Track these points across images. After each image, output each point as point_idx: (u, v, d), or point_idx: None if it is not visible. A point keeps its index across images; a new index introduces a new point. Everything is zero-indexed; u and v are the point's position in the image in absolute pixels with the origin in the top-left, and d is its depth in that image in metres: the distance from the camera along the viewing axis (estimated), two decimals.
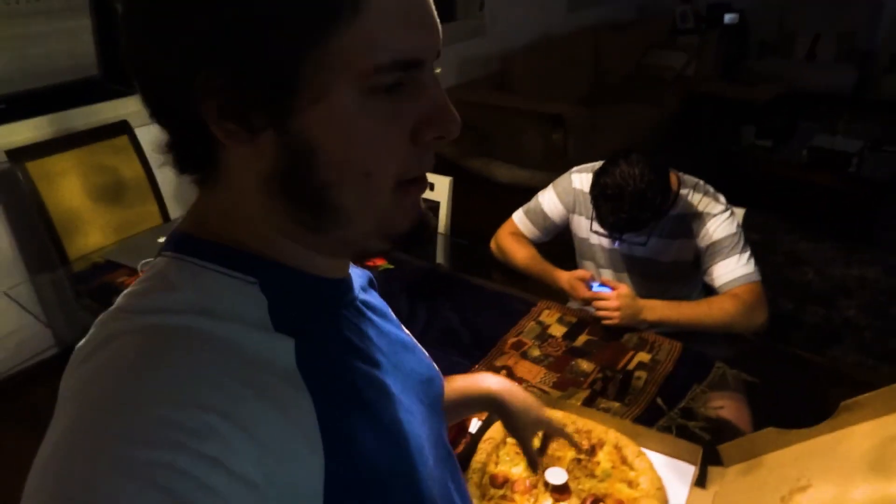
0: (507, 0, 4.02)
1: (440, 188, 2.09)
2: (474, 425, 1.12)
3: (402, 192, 0.44)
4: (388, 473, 0.47)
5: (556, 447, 1.06)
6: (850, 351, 2.59)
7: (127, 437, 0.34)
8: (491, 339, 1.43)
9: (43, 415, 0.40)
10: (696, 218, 1.51)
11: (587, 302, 1.49)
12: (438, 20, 0.43)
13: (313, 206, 0.43)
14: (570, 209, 1.68)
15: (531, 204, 1.74)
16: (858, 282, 3.01)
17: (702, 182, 1.57)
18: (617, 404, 1.22)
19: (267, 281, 0.45)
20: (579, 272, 1.54)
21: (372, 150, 0.42)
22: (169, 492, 0.33)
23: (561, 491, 0.98)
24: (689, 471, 1.03)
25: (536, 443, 1.04)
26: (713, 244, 1.49)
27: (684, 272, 1.60)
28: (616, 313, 1.42)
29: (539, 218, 1.71)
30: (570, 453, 1.05)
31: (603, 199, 1.39)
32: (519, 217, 1.75)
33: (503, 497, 0.98)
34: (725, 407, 1.22)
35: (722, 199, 1.53)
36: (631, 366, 1.33)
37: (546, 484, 0.98)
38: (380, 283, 1.73)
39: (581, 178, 1.64)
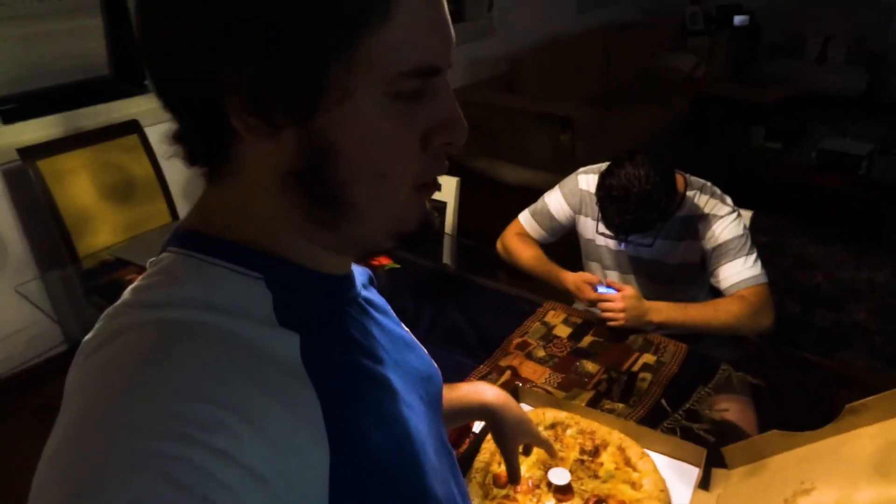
0: (516, 1, 4.02)
1: (447, 188, 2.10)
2: (478, 425, 1.12)
3: (416, 194, 0.46)
4: (393, 468, 0.47)
5: (559, 448, 1.06)
6: (859, 355, 2.57)
7: (135, 430, 0.35)
8: (496, 339, 1.44)
9: (53, 411, 0.40)
10: (702, 219, 1.51)
11: (593, 303, 1.49)
12: (452, 28, 0.44)
13: (328, 203, 0.44)
14: (577, 210, 1.68)
15: (537, 205, 1.74)
16: (868, 285, 2.99)
17: (708, 184, 1.56)
18: (621, 405, 1.22)
19: (272, 276, 0.45)
20: (585, 274, 1.54)
21: (389, 153, 0.43)
22: (177, 483, 0.33)
23: (564, 491, 0.98)
24: (693, 473, 1.02)
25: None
26: (719, 246, 1.48)
27: (691, 274, 1.60)
28: (621, 315, 1.42)
29: (545, 219, 1.71)
30: (574, 454, 1.05)
31: (608, 201, 1.39)
32: (525, 218, 1.75)
33: (506, 497, 0.98)
34: (731, 409, 1.22)
35: (728, 200, 1.53)
36: (636, 367, 1.33)
37: (549, 484, 0.99)
38: (385, 282, 1.73)
39: (587, 179, 1.64)
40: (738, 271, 1.46)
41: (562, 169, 1.79)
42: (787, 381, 1.31)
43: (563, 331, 1.47)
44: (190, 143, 0.45)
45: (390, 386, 0.51)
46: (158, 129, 2.52)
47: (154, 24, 0.41)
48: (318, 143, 0.41)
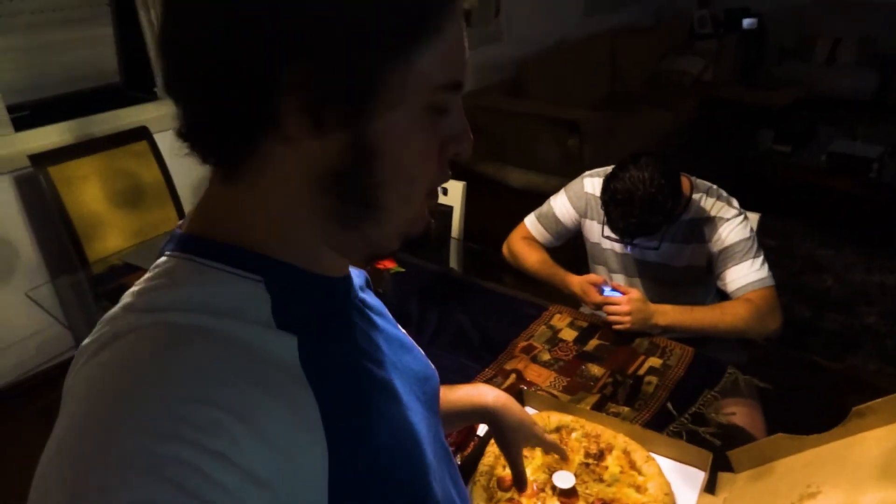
0: (523, 6, 4.03)
1: (453, 193, 2.10)
2: (482, 428, 1.12)
3: (425, 201, 0.49)
4: (393, 469, 0.47)
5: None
6: (870, 358, 2.55)
7: (134, 431, 0.35)
8: (501, 342, 1.43)
9: None
10: (708, 222, 1.50)
11: (598, 306, 1.48)
12: None
13: (361, 204, 0.45)
14: (582, 213, 1.68)
15: (543, 208, 1.74)
16: (879, 288, 2.97)
17: (715, 186, 1.56)
18: (627, 409, 1.21)
19: (272, 279, 0.45)
20: (591, 276, 1.54)
21: (419, 160, 0.46)
22: (176, 485, 0.34)
23: (568, 495, 0.98)
24: (699, 476, 1.02)
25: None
26: (726, 249, 1.48)
27: (697, 277, 1.59)
28: (627, 318, 1.41)
29: (551, 222, 1.71)
30: (579, 457, 1.05)
31: (613, 204, 1.39)
32: (531, 221, 1.75)
33: (510, 500, 0.98)
34: (738, 413, 1.21)
35: (735, 203, 1.52)
36: (642, 371, 1.32)
37: (553, 488, 0.98)
38: (391, 286, 1.72)
39: (593, 183, 1.64)
40: (745, 274, 1.45)
41: (569, 173, 1.79)
42: (794, 384, 1.30)
43: (568, 334, 1.46)
44: (213, 138, 0.44)
45: (388, 387, 0.51)
46: (168, 136, 2.54)
47: (204, 20, 0.40)
48: (364, 146, 0.43)
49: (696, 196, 1.53)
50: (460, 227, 2.11)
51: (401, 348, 0.60)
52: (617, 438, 1.07)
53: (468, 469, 1.02)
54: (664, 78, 4.77)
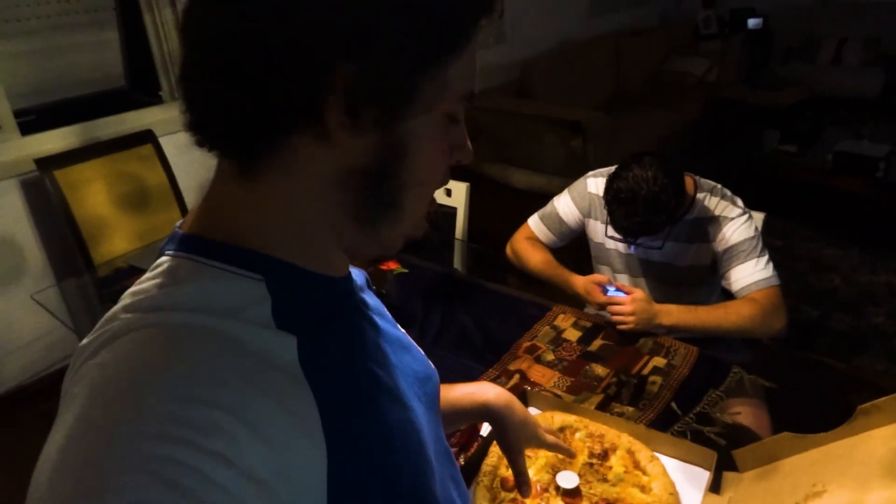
0: (528, 7, 4.03)
1: (457, 194, 2.10)
2: (486, 428, 1.12)
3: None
4: (393, 469, 0.47)
5: None
6: (878, 359, 2.53)
7: (133, 432, 0.35)
8: (505, 343, 1.43)
9: None
10: (712, 222, 1.50)
11: (602, 306, 1.48)
12: None
13: (384, 202, 0.47)
14: (586, 213, 1.67)
15: (547, 209, 1.74)
16: (886, 288, 2.95)
17: (719, 186, 1.55)
18: (631, 409, 1.21)
19: (273, 278, 0.45)
20: (595, 276, 1.53)
21: (434, 164, 0.49)
22: (175, 486, 0.34)
23: (572, 495, 0.97)
24: (704, 476, 1.01)
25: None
26: (731, 248, 1.47)
27: (701, 277, 1.58)
28: (631, 318, 1.41)
29: (554, 223, 1.71)
30: (583, 457, 1.05)
31: (616, 204, 1.39)
32: (534, 222, 1.75)
33: (513, 500, 0.97)
34: (743, 412, 1.20)
35: (739, 202, 1.51)
36: (646, 371, 1.32)
37: (557, 488, 0.98)
38: (394, 287, 1.72)
39: (596, 183, 1.64)
40: (750, 273, 1.44)
41: (573, 174, 1.79)
42: (799, 384, 1.29)
43: (572, 334, 1.46)
44: (238, 133, 0.43)
45: (389, 386, 0.51)
46: (173, 139, 2.56)
47: (259, 8, 0.40)
48: (396, 145, 0.45)
49: (700, 195, 1.52)
50: (464, 228, 2.11)
51: (401, 348, 0.59)
52: (621, 438, 1.06)
53: (471, 469, 1.02)
54: (668, 79, 4.76)
